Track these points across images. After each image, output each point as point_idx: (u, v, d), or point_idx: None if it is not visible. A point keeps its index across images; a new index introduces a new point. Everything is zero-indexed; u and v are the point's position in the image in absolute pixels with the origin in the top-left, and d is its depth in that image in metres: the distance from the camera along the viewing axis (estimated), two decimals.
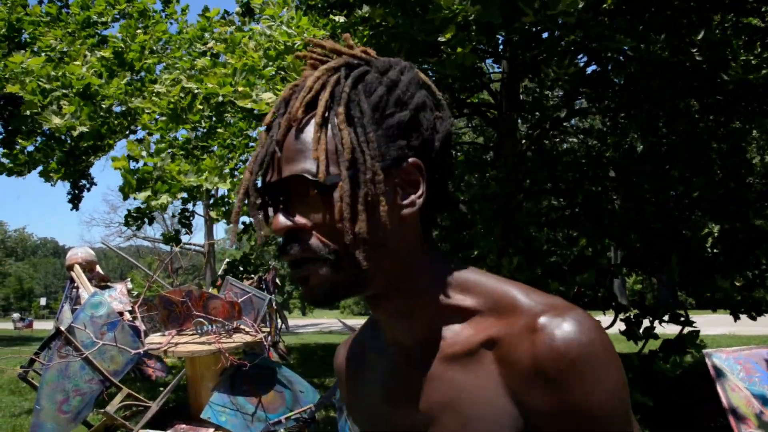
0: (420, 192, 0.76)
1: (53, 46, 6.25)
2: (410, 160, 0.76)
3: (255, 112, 4.39)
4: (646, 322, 5.21)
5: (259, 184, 0.79)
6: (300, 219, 0.74)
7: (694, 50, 4.77)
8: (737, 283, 4.99)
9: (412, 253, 0.78)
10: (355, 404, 0.95)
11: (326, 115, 0.74)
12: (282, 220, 0.74)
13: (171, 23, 7.42)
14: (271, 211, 0.78)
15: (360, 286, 0.75)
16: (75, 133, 4.97)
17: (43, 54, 6.17)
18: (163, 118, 5.11)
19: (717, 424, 5.22)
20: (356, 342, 0.98)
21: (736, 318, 5.17)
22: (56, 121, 4.82)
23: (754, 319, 5.12)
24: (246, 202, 0.77)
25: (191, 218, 6.81)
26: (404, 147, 0.76)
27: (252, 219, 0.77)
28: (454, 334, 0.77)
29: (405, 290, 0.78)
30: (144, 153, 4.46)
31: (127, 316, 5.11)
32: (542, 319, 0.69)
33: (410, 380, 0.80)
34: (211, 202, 4.86)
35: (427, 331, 0.79)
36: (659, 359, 4.66)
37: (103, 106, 5.41)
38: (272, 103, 4.21)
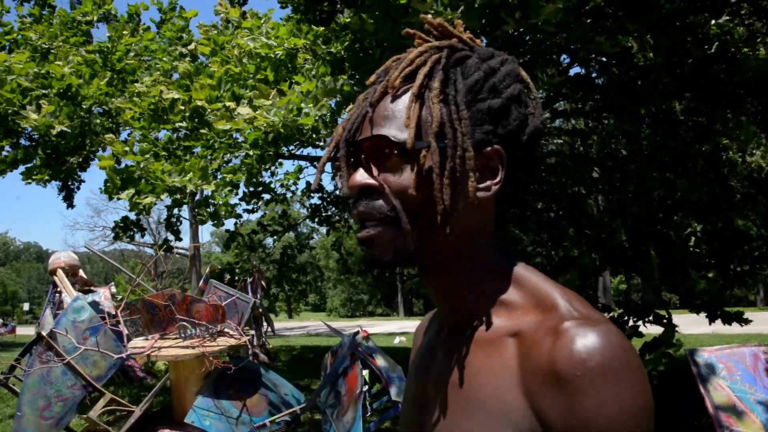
0: (498, 179, 0.78)
1: (35, 40, 6.18)
2: (494, 146, 0.78)
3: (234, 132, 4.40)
4: (630, 322, 5.27)
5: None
6: (376, 179, 0.77)
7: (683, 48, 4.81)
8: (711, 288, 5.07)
9: (477, 236, 0.80)
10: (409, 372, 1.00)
11: (423, 88, 0.77)
12: (360, 176, 0.78)
13: (164, 40, 7.32)
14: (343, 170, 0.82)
15: (419, 254, 0.78)
16: (54, 132, 4.92)
17: (24, 50, 6.08)
18: (145, 122, 5.09)
19: (700, 423, 5.26)
20: (432, 315, 1.02)
21: (712, 320, 5.26)
22: (34, 117, 4.77)
23: (724, 323, 5.22)
24: (334, 154, 0.81)
25: (178, 224, 6.75)
26: (489, 132, 0.78)
27: (338, 172, 0.82)
28: (491, 320, 0.78)
29: (459, 269, 0.80)
30: (127, 150, 4.42)
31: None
32: (567, 324, 0.68)
33: (437, 354, 0.85)
34: (195, 201, 4.80)
35: (467, 311, 0.81)
36: None
37: (84, 106, 5.36)
38: (249, 120, 4.20)
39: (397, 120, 0.77)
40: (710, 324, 5.37)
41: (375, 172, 0.78)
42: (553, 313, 0.72)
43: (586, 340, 0.65)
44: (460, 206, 0.76)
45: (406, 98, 0.78)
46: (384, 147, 0.77)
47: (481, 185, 0.78)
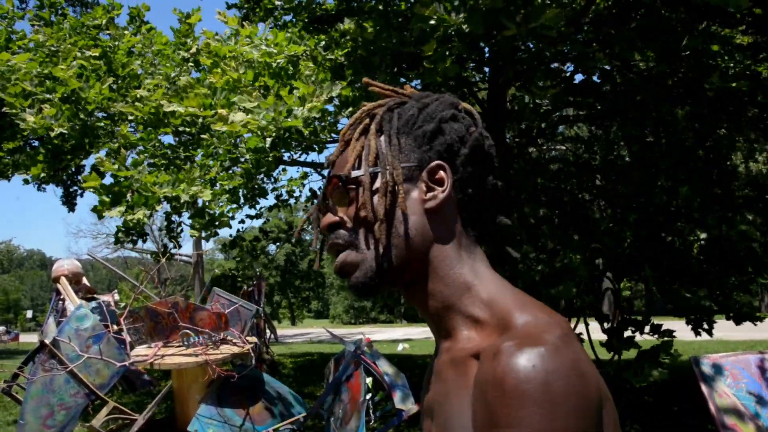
0: (444, 187, 0.85)
1: (43, 42, 6.21)
2: (434, 162, 0.86)
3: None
4: (629, 331, 5.28)
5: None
6: (336, 215, 0.89)
7: (682, 57, 4.81)
8: (706, 302, 5.14)
9: (441, 250, 0.85)
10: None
11: (365, 131, 0.90)
12: (326, 217, 0.90)
13: (179, 54, 7.28)
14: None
15: (389, 273, 0.85)
16: (53, 134, 4.93)
17: (31, 51, 6.12)
18: (145, 130, 5.09)
19: (704, 430, 5.24)
20: None
21: (697, 333, 5.34)
22: (32, 119, 4.79)
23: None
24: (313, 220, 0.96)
25: (179, 230, 6.73)
26: (428, 151, 0.87)
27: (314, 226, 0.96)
28: (466, 339, 0.81)
29: (429, 286, 0.85)
30: (116, 167, 4.39)
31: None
32: (504, 345, 0.69)
33: (430, 375, 0.90)
34: (190, 213, 4.76)
35: (446, 329, 0.85)
36: (629, 370, 4.71)
37: (87, 109, 5.37)
38: (245, 124, 4.23)
39: (348, 163, 0.88)
40: (696, 336, 5.45)
41: (337, 210, 0.89)
42: (507, 333, 0.73)
43: (510, 362, 0.65)
44: (408, 220, 0.84)
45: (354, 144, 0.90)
46: (336, 185, 0.88)
47: (428, 195, 0.85)
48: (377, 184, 0.85)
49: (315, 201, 1.02)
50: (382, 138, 0.88)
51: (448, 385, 0.79)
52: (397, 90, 0.98)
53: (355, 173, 0.86)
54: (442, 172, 0.86)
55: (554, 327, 0.72)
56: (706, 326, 5.36)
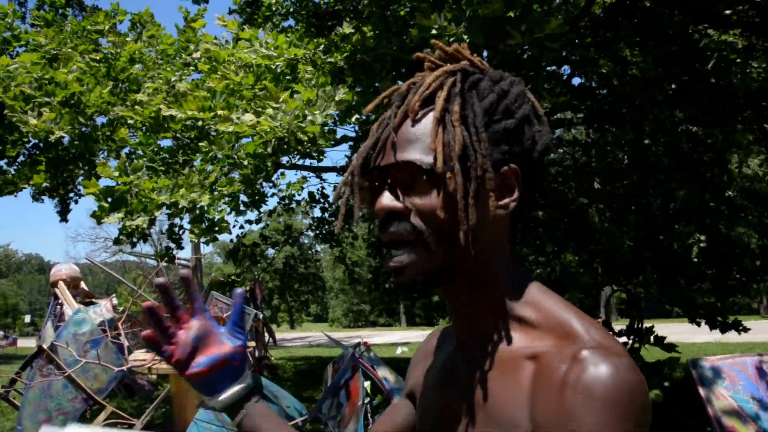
0: (515, 196, 0.81)
1: (44, 44, 6.19)
2: (510, 165, 0.81)
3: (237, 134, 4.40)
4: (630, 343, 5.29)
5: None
6: (403, 202, 0.80)
7: (680, 59, 4.83)
8: (710, 299, 5.12)
9: (496, 253, 0.83)
10: (419, 384, 1.00)
11: (443, 112, 0.79)
12: (387, 200, 0.80)
13: (180, 59, 7.25)
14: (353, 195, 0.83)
15: (449, 273, 0.81)
16: (53, 138, 4.92)
17: (32, 52, 6.10)
18: (144, 133, 5.09)
19: (703, 431, 5.24)
20: (444, 330, 1.04)
21: (713, 327, 5.32)
22: (33, 122, 4.78)
23: (722, 332, 5.27)
24: (350, 181, 0.83)
25: (181, 233, 6.72)
26: (506, 153, 0.81)
27: (354, 198, 0.83)
28: (509, 340, 0.80)
29: (480, 286, 0.83)
30: (117, 173, 4.37)
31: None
32: (585, 353, 0.70)
33: (460, 372, 0.86)
34: (189, 218, 4.74)
35: (486, 329, 0.83)
36: None
37: (87, 113, 5.36)
38: (253, 125, 4.21)
39: (420, 143, 0.79)
40: (711, 330, 5.41)
41: (401, 195, 0.80)
42: (571, 339, 0.74)
43: (597, 370, 0.67)
44: (481, 225, 0.78)
45: (426, 122, 0.80)
46: (412, 171, 0.79)
47: (501, 203, 0.81)
48: (458, 181, 0.77)
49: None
50: (466, 130, 0.78)
51: (490, 384, 0.78)
52: (461, 52, 0.88)
53: (447, 168, 0.76)
54: (514, 179, 0.81)
55: (610, 335, 0.74)
56: (720, 319, 5.31)
